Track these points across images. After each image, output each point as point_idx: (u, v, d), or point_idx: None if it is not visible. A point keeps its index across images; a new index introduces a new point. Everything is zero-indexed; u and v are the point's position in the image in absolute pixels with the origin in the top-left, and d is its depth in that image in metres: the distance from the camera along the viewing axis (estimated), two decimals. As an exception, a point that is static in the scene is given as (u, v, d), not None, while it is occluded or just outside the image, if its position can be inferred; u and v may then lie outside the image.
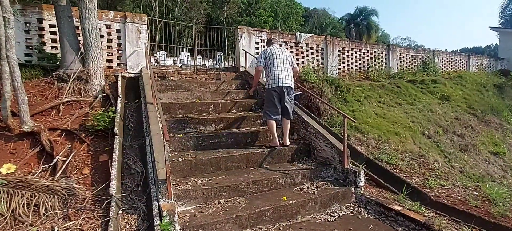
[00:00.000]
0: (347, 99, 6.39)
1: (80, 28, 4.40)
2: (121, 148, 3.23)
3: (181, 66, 9.10)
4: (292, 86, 3.81)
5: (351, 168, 3.36)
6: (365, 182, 3.41)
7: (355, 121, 3.41)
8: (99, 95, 4.32)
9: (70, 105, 4.01)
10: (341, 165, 3.47)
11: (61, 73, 4.28)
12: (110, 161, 2.99)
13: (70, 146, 3.36)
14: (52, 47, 4.71)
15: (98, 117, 3.53)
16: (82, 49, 4.45)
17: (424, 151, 5.11)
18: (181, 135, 3.58)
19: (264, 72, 4.05)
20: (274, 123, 3.69)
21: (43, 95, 4.01)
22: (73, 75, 4.23)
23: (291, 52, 7.22)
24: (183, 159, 3.16)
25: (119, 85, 4.47)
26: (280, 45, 4.42)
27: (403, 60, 9.95)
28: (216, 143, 3.71)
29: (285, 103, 3.71)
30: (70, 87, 4.21)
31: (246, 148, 3.71)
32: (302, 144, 4.00)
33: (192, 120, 3.98)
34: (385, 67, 9.20)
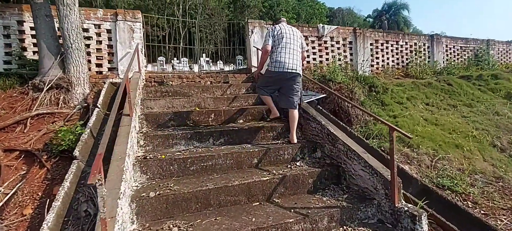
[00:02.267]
0: (385, 102, 5.14)
1: (59, 28, 3.76)
2: (79, 177, 2.42)
3: (192, 70, 8.41)
4: (300, 73, 3.26)
5: (405, 208, 2.22)
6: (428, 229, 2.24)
7: (411, 136, 2.28)
8: (79, 106, 3.62)
9: (42, 119, 3.35)
10: (389, 201, 2.34)
11: (37, 82, 3.66)
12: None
13: (25, 171, 2.63)
14: (34, 52, 4.15)
15: (61, 134, 2.77)
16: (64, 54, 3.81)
17: (500, 170, 3.73)
18: (164, 156, 2.69)
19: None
20: (267, 97, 3.48)
21: (12, 108, 3.39)
22: (48, 84, 3.58)
23: (313, 47, 6.14)
24: (158, 192, 2.26)
25: (102, 93, 3.75)
26: (291, 25, 3.53)
27: (450, 53, 8.35)
28: (210, 166, 2.77)
29: (288, 91, 3.25)
30: (45, 97, 3.56)
31: (249, 173, 2.73)
32: (327, 166, 2.92)
33: (184, 135, 3.09)
34: (428, 61, 7.71)
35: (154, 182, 2.51)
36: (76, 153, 2.54)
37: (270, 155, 3.01)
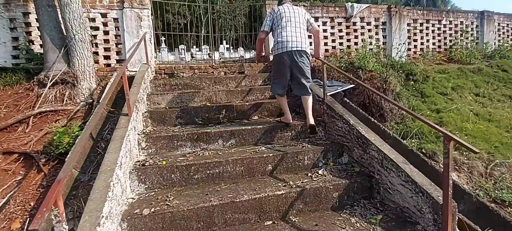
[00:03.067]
0: (425, 93, 4.41)
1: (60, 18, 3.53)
2: (70, 188, 2.17)
3: (206, 59, 8.07)
4: (306, 50, 2.88)
5: (465, 243, 1.69)
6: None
7: (476, 150, 1.69)
8: (83, 103, 3.41)
9: (45, 118, 3.18)
10: (438, 230, 1.82)
11: (42, 77, 3.49)
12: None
13: (22, 176, 2.45)
14: (41, 46, 3.99)
15: (56, 137, 2.55)
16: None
17: None
18: (165, 162, 2.37)
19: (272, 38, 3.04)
20: (281, 98, 3.03)
21: (16, 106, 3.25)
22: (51, 79, 3.39)
23: (340, 30, 5.45)
24: (153, 209, 1.93)
25: (108, 88, 3.49)
26: (296, 5, 3.04)
27: (504, 33, 7.15)
28: (217, 174, 2.40)
29: (297, 73, 2.88)
30: (49, 94, 3.39)
31: (262, 183, 2.32)
32: (357, 176, 2.42)
33: (190, 135, 2.74)
34: (476, 43, 6.63)
35: (152, 193, 2.20)
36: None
37: (288, 160, 2.57)
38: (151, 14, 4.42)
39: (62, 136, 2.54)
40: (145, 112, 3.06)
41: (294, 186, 2.25)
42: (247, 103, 3.42)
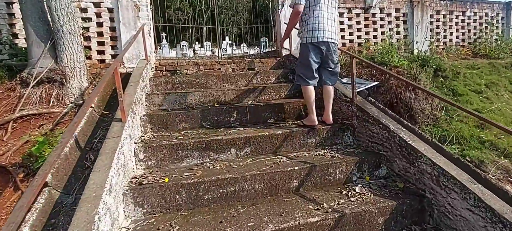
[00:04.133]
0: (458, 91, 3.94)
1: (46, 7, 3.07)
2: (49, 214, 1.72)
3: (207, 55, 7.60)
4: (337, 41, 2.62)
5: None
6: None
7: None
8: (72, 105, 2.96)
9: (28, 122, 2.73)
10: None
11: (25, 75, 3.04)
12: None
13: (-6, 196, 2.00)
14: (26, 39, 3.53)
15: (35, 149, 2.10)
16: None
17: None
18: (167, 180, 1.92)
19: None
20: (312, 90, 2.57)
21: (-5, 108, 2.81)
22: (35, 77, 2.94)
23: (358, 22, 4.96)
24: (153, 247, 1.49)
25: (95, 91, 3.04)
26: None
27: (531, 24, 6.60)
28: (232, 193, 1.95)
29: (333, 69, 2.61)
30: (34, 94, 2.94)
31: (288, 204, 1.87)
32: (402, 194, 1.96)
33: (197, 144, 2.29)
34: (502, 36, 6.13)
35: (152, 220, 1.75)
36: (49, 177, 1.83)
37: (316, 175, 2.11)
38: (150, 4, 3.96)
39: (42, 147, 2.10)
40: (144, 115, 2.61)
41: (330, 209, 1.79)
42: (262, 104, 2.97)
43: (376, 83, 3.85)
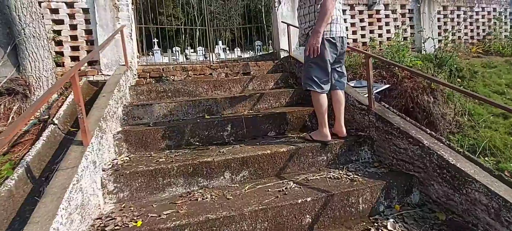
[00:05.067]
0: (477, 91, 3.55)
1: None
2: None
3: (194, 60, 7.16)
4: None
5: None
6: None
7: None
8: (34, 121, 2.48)
9: (-24, 145, 2.23)
10: None
11: (-22, 87, 2.56)
12: None
13: None
14: (-15, 45, 3.04)
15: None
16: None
17: None
18: (140, 223, 1.45)
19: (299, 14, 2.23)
20: (325, 97, 2.13)
21: None
22: (-12, 89, 2.46)
23: (361, 20, 4.57)
24: None
25: (68, 100, 2.57)
26: None
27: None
28: (226, 238, 1.49)
29: (340, 70, 2.23)
30: (-12, 109, 2.45)
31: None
32: (447, 229, 1.52)
33: (183, 168, 1.83)
34: (510, 32, 5.80)
35: None
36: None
37: (334, 206, 1.66)
38: (132, 3, 3.51)
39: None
40: (119, 132, 2.14)
41: (357, 258, 1.34)
42: (260, 114, 2.52)
43: (387, 86, 3.44)
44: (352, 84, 3.29)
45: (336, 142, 2.14)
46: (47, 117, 2.54)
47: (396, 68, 3.53)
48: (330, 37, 2.02)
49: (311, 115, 2.59)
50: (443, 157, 1.66)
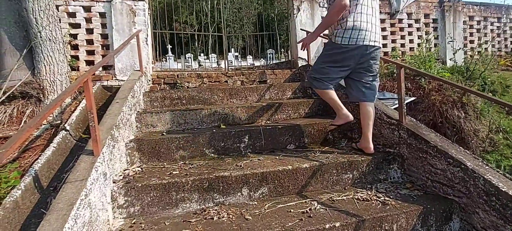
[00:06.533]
0: (512, 108, 3.25)
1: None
2: None
3: (209, 66, 7.13)
4: (381, 45, 2.05)
5: None
6: None
7: None
8: (46, 126, 2.43)
9: (-12, 148, 2.17)
10: None
11: (-6, 89, 2.53)
12: None
13: None
14: (3, 47, 3.05)
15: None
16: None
17: None
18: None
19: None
20: (333, 90, 2.08)
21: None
22: (4, 92, 2.42)
23: (383, 29, 4.40)
24: None
25: (80, 106, 2.51)
26: None
27: None
28: (246, 265, 1.33)
29: (370, 82, 2.04)
30: (3, 112, 2.42)
31: None
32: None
33: (197, 182, 1.69)
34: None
35: None
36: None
37: (364, 232, 1.48)
38: (149, 8, 3.47)
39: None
40: (131, 141, 2.04)
41: None
42: (279, 125, 2.38)
43: (413, 98, 3.24)
44: (378, 96, 3.10)
45: (362, 158, 1.96)
46: (59, 121, 2.49)
47: (423, 80, 3.33)
48: (344, 43, 1.91)
49: (332, 124, 2.42)
50: (491, 182, 1.46)
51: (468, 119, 2.89)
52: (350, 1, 1.87)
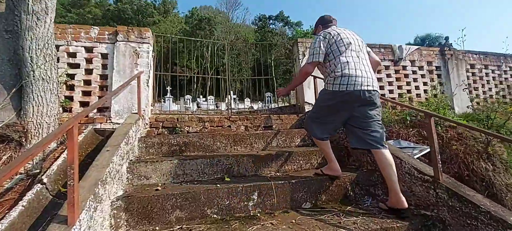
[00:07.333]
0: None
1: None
2: None
3: (210, 109, 6.99)
4: (377, 89, 1.95)
5: None
6: None
7: None
8: (21, 177, 2.09)
9: None
10: None
11: (-31, 132, 2.24)
12: None
13: None
14: (-9, 87, 2.83)
15: None
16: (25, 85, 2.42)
17: None
18: None
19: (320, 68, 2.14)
20: (323, 142, 2.09)
21: None
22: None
23: (388, 75, 4.35)
24: None
25: (64, 154, 2.20)
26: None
27: None
28: None
29: (373, 128, 1.87)
30: (-27, 159, 2.09)
31: None
32: None
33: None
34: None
35: None
36: None
37: None
38: (153, 51, 3.37)
39: None
40: (118, 198, 1.70)
41: None
42: (291, 179, 2.07)
43: (427, 148, 2.99)
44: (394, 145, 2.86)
45: (398, 225, 1.63)
46: (38, 170, 2.15)
47: (439, 127, 3.13)
48: (335, 89, 1.89)
49: (353, 183, 2.13)
50: None
51: (497, 171, 2.62)
52: (331, 57, 1.95)
